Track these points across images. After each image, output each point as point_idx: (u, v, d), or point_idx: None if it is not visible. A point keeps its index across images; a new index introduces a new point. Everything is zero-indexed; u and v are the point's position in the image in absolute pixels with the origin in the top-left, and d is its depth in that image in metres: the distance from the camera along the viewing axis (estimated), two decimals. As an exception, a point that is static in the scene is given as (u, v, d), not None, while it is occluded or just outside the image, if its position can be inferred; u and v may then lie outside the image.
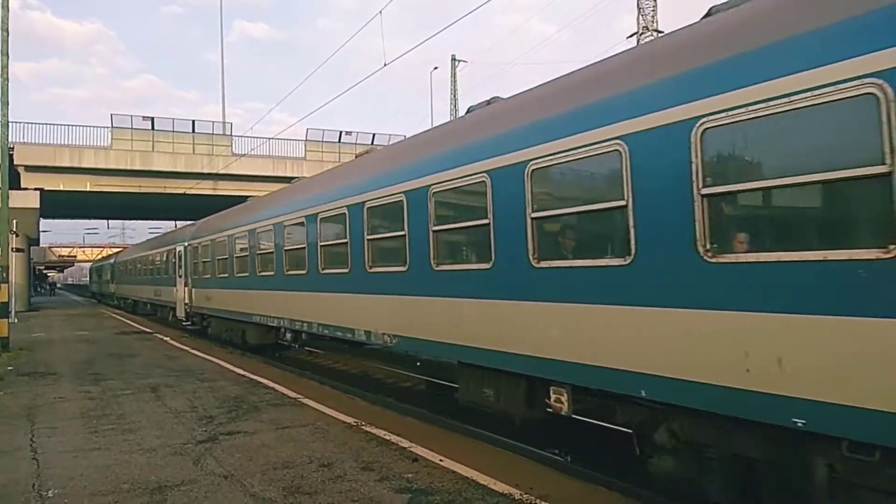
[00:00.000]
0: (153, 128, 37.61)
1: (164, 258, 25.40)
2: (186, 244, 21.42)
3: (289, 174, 37.05)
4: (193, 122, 38.97)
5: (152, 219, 60.02)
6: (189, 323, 21.71)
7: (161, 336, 20.90)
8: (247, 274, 14.87)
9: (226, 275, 16.66)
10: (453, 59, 60.05)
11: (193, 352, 16.27)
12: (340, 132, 42.60)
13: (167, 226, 50.42)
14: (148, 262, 29.50)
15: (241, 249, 15.41)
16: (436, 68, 69.61)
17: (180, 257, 22.08)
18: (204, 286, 19.28)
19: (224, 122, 41.27)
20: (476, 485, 5.61)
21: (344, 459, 6.42)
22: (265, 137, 39.84)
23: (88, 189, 36.17)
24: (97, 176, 35.81)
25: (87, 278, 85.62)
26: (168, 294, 24.44)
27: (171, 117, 38.81)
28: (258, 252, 14.11)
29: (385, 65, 15.04)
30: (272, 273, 13.24)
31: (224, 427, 7.92)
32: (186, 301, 21.32)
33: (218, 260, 17.47)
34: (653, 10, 44.82)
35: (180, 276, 22.02)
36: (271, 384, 10.99)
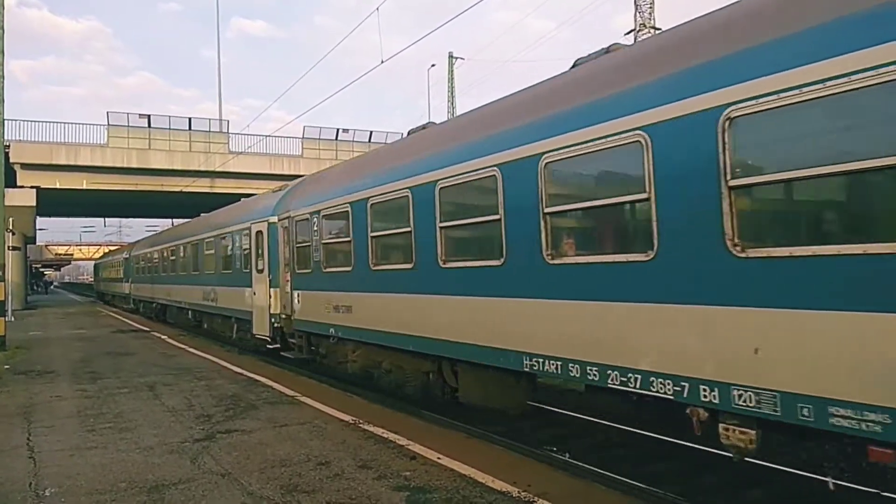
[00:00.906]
0: (149, 125, 37.56)
1: (224, 245, 17.68)
2: (273, 218, 13.88)
3: (286, 172, 37.07)
4: (190, 119, 38.97)
5: (149, 217, 59.92)
6: (279, 346, 13.83)
7: (158, 334, 20.87)
8: (500, 261, 6.96)
9: (407, 265, 8.62)
10: (450, 56, 60.00)
11: (191, 350, 16.24)
12: (337, 130, 42.58)
13: (164, 223, 50.19)
14: (189, 252, 21.73)
15: (471, 212, 7.57)
16: (433, 65, 69.55)
17: (259, 241, 14.68)
18: (326, 285, 11.11)
19: (221, 120, 41.23)
20: (474, 482, 5.60)
21: (342, 457, 6.41)
22: (262, 135, 39.71)
23: (85, 187, 36.12)
24: (94, 174, 35.75)
25: (92, 276, 75.69)
26: (232, 299, 16.76)
27: (167, 115, 38.74)
28: (579, 208, 6.28)
29: (382, 62, 15.05)
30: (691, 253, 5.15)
31: (221, 425, 7.90)
32: (275, 310, 13.74)
33: (375, 238, 9.48)
34: (650, 7, 44.80)
35: (260, 271, 14.59)
36: (269, 382, 10.97)
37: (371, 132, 42.94)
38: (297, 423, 7.97)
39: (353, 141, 42.00)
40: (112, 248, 68.39)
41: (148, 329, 23.01)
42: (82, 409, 9.13)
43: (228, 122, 59.63)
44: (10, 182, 33.84)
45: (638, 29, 44.43)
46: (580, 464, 6.92)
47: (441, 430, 7.92)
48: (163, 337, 19.90)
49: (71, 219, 73.97)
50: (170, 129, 38.09)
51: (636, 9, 45.03)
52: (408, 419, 8.37)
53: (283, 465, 6.19)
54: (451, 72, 59.74)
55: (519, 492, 5.36)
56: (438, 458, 6.31)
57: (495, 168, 6.88)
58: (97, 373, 12.56)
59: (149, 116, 37.81)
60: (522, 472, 5.97)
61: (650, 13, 44.85)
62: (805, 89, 4.13)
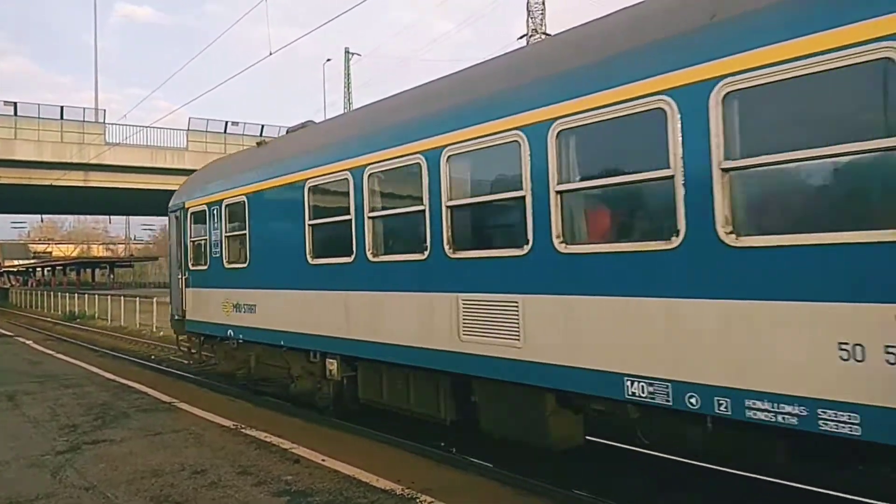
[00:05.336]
0: (16, 113, 34.60)
1: None
2: None
3: (169, 165, 35.19)
4: (62, 108, 36.15)
5: (15, 212, 55.25)
6: None
7: (23, 339, 19.25)
8: None
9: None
10: (346, 51, 59.43)
11: (59, 356, 15.10)
12: (226, 122, 40.88)
13: (32, 220, 46.32)
14: None
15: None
16: (329, 60, 68.53)
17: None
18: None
19: (97, 109, 38.59)
20: (357, 482, 5.55)
21: (219, 465, 6.16)
22: (142, 126, 37.40)
23: (-63, 178, 32.73)
24: (-52, 164, 32.48)
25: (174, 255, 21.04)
26: None
27: (36, 102, 35.79)
28: None
29: (270, 53, 14.63)
30: None
31: (88, 436, 7.40)
32: None
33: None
34: (541, 14, 46.31)
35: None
36: (144, 388, 10.39)
37: (263, 126, 41.44)
38: (173, 430, 7.59)
39: (243, 134, 40.38)
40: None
41: (11, 334, 21.16)
42: (-75, 423, 8.25)
43: (105, 111, 56.02)
44: None
45: (530, 34, 45.79)
46: (464, 457, 6.99)
47: (328, 431, 7.82)
48: (28, 342, 18.37)
49: (-79, 213, 66.82)
50: (39, 118, 35.19)
51: (528, 14, 46.42)
52: (293, 421, 8.20)
53: (155, 476, 5.86)
54: (347, 67, 59.20)
55: (403, 489, 5.36)
56: (323, 461, 6.20)
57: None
58: (-53, 383, 11.40)
59: (15, 104, 34.85)
60: (407, 469, 6.01)
61: (541, 19, 46.37)
62: None
